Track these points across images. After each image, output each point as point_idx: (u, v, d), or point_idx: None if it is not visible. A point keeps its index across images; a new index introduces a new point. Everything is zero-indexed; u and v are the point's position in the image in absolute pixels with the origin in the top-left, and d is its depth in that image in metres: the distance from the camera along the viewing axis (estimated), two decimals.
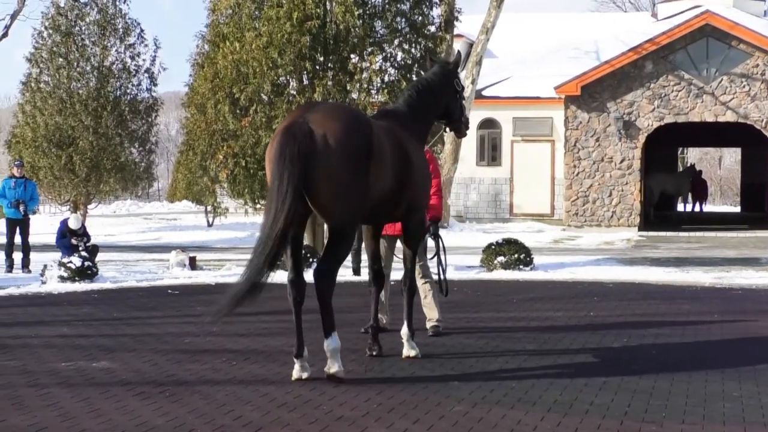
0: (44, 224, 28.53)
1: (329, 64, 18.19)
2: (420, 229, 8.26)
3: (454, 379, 7.24)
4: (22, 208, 17.47)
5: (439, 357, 8.13)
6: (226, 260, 19.44)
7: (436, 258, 9.18)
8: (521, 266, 16.27)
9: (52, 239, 18.19)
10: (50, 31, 29.45)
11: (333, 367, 7.00)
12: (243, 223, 30.01)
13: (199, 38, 20.38)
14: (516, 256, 16.38)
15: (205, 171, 19.31)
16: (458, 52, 9.91)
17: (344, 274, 14.89)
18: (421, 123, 8.40)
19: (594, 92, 28.71)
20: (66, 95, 28.87)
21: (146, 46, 30.30)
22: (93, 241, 17.80)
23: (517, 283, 14.74)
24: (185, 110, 23.25)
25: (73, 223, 17.15)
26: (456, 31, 26.50)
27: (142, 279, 15.33)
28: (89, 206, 31.05)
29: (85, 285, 14.13)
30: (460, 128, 8.99)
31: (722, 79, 28.05)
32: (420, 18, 18.93)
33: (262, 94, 18.02)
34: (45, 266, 14.83)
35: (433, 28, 19.54)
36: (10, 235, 17.47)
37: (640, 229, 28.36)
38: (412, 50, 18.85)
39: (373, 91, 18.17)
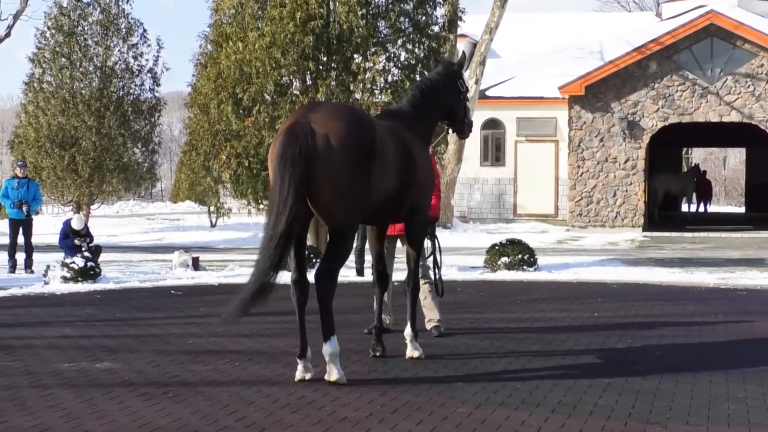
0: (47, 225, 28.50)
1: (332, 64, 18.17)
2: (424, 230, 8.24)
3: (457, 380, 7.22)
4: (25, 208, 17.47)
5: (442, 358, 8.11)
6: (229, 261, 19.43)
7: (431, 258, 9.14)
8: (525, 267, 16.24)
9: (55, 240, 18.20)
10: (53, 31, 29.49)
11: (333, 374, 6.95)
12: (246, 223, 30.01)
13: (202, 38, 20.36)
14: (520, 256, 16.36)
15: (208, 171, 19.31)
16: (462, 52, 9.90)
17: (347, 274, 14.90)
18: (425, 123, 8.38)
19: (598, 92, 28.68)
20: (69, 95, 28.90)
21: (149, 46, 30.42)
22: (96, 241, 17.82)
23: (521, 283, 14.71)
24: (188, 110, 23.24)
25: (76, 224, 17.16)
26: (459, 31, 26.44)
27: (145, 279, 15.32)
28: (92, 207, 31.08)
29: (88, 285, 14.12)
30: (462, 130, 8.96)
31: (727, 79, 28.00)
32: (423, 18, 18.91)
33: (265, 94, 18.01)
34: (48, 267, 14.81)
35: (436, 28, 19.52)
36: (13, 235, 17.47)
37: (644, 230, 28.33)
38: (416, 50, 18.83)
39: (376, 91, 18.16)
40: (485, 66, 28.19)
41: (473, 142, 30.80)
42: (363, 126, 7.09)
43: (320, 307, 6.93)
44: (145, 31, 30.12)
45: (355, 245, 14.65)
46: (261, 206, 18.49)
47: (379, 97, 18.16)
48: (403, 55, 18.84)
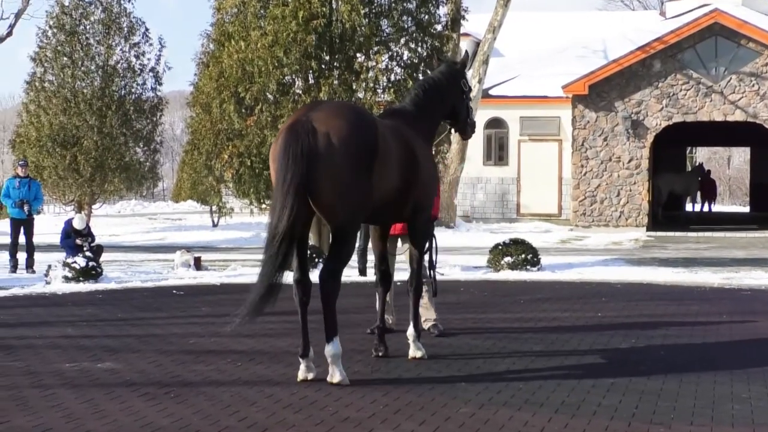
0: (48, 224, 28.52)
1: (335, 63, 18.15)
2: (427, 229, 8.21)
3: (460, 380, 7.20)
4: (26, 207, 17.45)
5: (445, 358, 8.09)
6: (231, 260, 19.39)
7: (427, 257, 9.09)
8: (528, 267, 16.22)
9: (56, 239, 18.19)
10: (55, 30, 29.47)
11: (335, 376, 6.92)
12: (248, 223, 29.98)
13: (204, 37, 20.39)
14: (523, 256, 16.33)
15: (210, 171, 19.29)
16: (466, 52, 9.85)
17: (350, 274, 14.87)
18: (428, 122, 8.36)
19: (602, 91, 28.62)
20: (70, 94, 28.88)
21: (151, 45, 30.34)
22: (97, 241, 17.80)
23: (524, 283, 14.68)
24: (190, 109, 23.24)
25: (78, 223, 17.15)
26: (462, 30, 26.46)
27: (147, 279, 15.31)
28: (94, 206, 31.06)
29: (90, 285, 14.10)
30: (465, 130, 8.93)
31: (731, 78, 27.94)
32: (426, 17, 18.88)
33: (267, 93, 17.98)
34: (49, 266, 14.80)
35: (439, 27, 19.50)
36: (15, 235, 17.45)
37: (648, 230, 28.27)
38: (419, 49, 18.80)
39: (379, 90, 18.14)
40: (488, 65, 28.16)
41: (476, 142, 30.77)
42: (365, 125, 7.05)
43: (324, 307, 6.90)
44: (147, 30, 30.10)
45: (357, 245, 14.62)
46: (263, 206, 18.47)
47: (382, 96, 18.14)
48: (405, 54, 18.82)
